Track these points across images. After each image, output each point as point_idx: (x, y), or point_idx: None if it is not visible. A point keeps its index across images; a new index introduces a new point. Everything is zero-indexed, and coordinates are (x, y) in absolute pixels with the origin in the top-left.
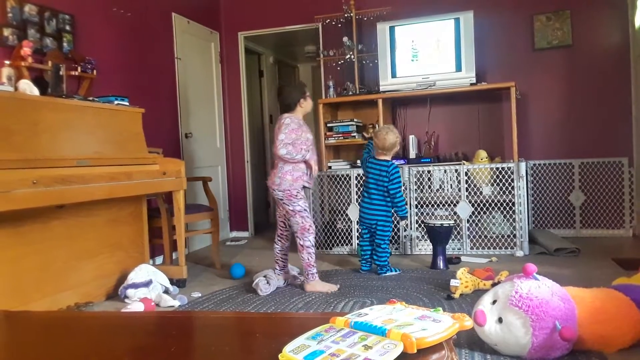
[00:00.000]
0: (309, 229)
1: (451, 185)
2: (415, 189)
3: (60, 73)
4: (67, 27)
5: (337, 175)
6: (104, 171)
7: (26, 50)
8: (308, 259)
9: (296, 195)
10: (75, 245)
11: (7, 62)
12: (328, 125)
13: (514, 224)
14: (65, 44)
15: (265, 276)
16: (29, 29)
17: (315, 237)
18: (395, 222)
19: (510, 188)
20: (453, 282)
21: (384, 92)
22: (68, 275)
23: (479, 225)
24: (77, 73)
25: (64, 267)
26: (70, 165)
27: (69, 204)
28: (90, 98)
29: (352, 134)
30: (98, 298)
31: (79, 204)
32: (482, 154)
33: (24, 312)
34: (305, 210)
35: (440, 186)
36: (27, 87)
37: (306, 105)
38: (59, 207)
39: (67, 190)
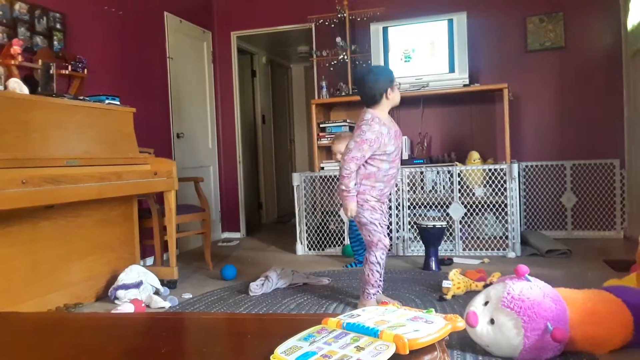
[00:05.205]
0: (377, 244)
1: (444, 186)
2: (408, 190)
3: (51, 72)
4: (58, 26)
5: (330, 177)
6: (94, 171)
7: (16, 48)
8: (368, 276)
9: (362, 206)
10: (65, 245)
11: None
12: (321, 125)
13: (506, 226)
14: (55, 43)
15: (266, 277)
16: (19, 27)
17: (308, 239)
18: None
19: (502, 189)
20: (445, 284)
21: None
22: (57, 276)
23: (471, 226)
24: (67, 72)
25: (53, 268)
26: (60, 165)
27: (58, 204)
28: (81, 97)
29: None
30: (88, 299)
31: (69, 204)
32: (475, 155)
33: (12, 313)
34: (372, 223)
35: (433, 187)
36: (17, 85)
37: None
38: (48, 207)
39: (57, 190)
